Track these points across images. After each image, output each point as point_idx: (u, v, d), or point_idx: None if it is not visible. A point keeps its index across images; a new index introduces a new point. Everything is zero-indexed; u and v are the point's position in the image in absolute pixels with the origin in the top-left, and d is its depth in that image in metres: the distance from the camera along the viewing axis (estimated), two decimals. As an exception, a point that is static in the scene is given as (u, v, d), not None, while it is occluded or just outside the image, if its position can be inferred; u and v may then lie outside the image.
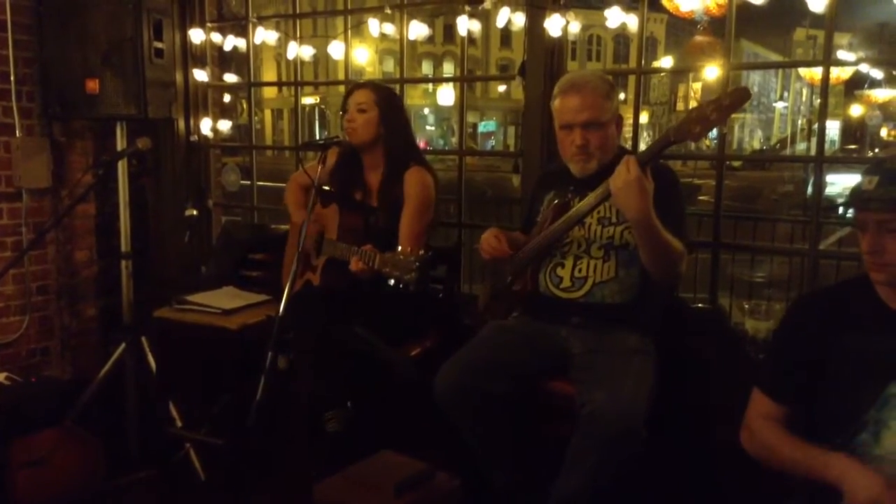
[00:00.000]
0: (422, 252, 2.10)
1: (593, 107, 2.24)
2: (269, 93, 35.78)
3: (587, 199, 2.15)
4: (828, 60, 2.66)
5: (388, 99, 2.79)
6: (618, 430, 1.92)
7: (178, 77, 3.70)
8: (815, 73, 10.12)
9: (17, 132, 3.39)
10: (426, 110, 39.59)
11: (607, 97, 2.27)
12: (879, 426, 1.54)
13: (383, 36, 3.44)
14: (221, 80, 3.97)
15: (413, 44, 3.47)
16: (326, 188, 2.87)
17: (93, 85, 3.04)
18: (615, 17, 2.83)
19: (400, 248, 2.17)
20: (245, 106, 4.63)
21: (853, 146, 30.13)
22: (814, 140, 3.21)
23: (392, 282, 2.11)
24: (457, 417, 2.22)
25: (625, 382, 2.03)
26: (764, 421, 1.68)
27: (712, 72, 3.13)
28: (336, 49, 3.53)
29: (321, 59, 3.86)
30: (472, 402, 2.18)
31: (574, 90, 2.26)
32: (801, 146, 35.53)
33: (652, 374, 2.13)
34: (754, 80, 42.90)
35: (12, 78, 3.35)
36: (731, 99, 1.95)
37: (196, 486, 2.83)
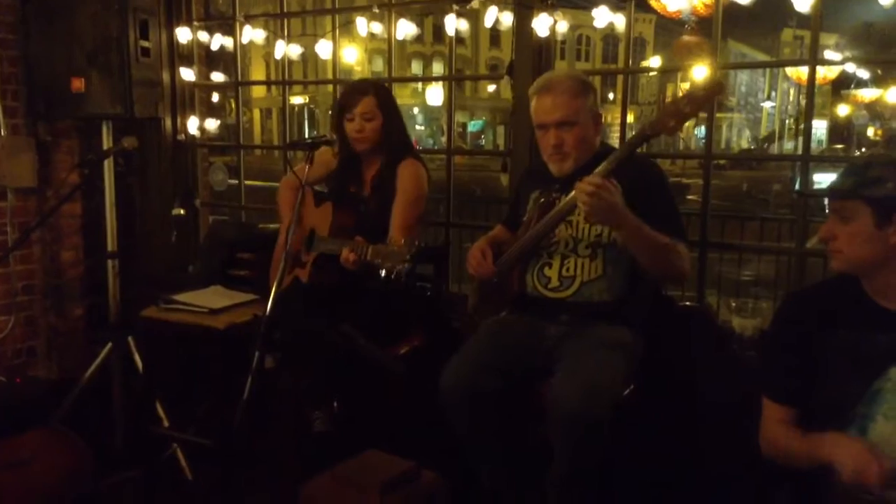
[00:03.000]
0: (414, 242, 2.10)
1: (565, 106, 2.25)
2: (258, 92, 35.67)
3: (571, 195, 2.14)
4: (814, 60, 2.67)
5: (388, 99, 2.82)
6: (576, 414, 1.92)
7: (165, 76, 3.69)
8: (802, 72, 10.17)
9: (2, 131, 3.37)
10: (415, 110, 39.54)
11: (580, 96, 2.27)
12: (867, 420, 1.57)
13: (372, 35, 3.44)
14: (209, 79, 3.95)
15: (402, 43, 3.47)
16: (318, 189, 2.88)
17: (78, 84, 3.02)
18: (603, 17, 2.85)
19: (392, 238, 2.17)
20: (233, 105, 4.60)
21: (840, 145, 30.33)
22: (801, 139, 3.23)
23: (383, 272, 2.10)
24: (460, 416, 2.20)
25: (585, 365, 2.04)
26: (778, 426, 1.70)
27: (700, 72, 3.15)
28: (324, 48, 3.53)
29: (310, 58, 3.86)
30: (477, 401, 2.16)
31: (546, 90, 2.28)
32: (788, 145, 35.76)
33: (623, 362, 2.12)
34: (742, 79, 43.20)
35: (-3, 77, 3.33)
36: (704, 91, 1.98)
37: (183, 485, 2.82)
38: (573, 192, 2.12)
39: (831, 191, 1.62)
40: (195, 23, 3.78)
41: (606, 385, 2.00)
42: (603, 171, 2.06)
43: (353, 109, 2.75)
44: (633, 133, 2.18)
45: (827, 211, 1.66)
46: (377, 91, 2.80)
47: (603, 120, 2.37)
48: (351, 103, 2.77)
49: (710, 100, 1.99)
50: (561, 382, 2.01)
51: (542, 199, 2.34)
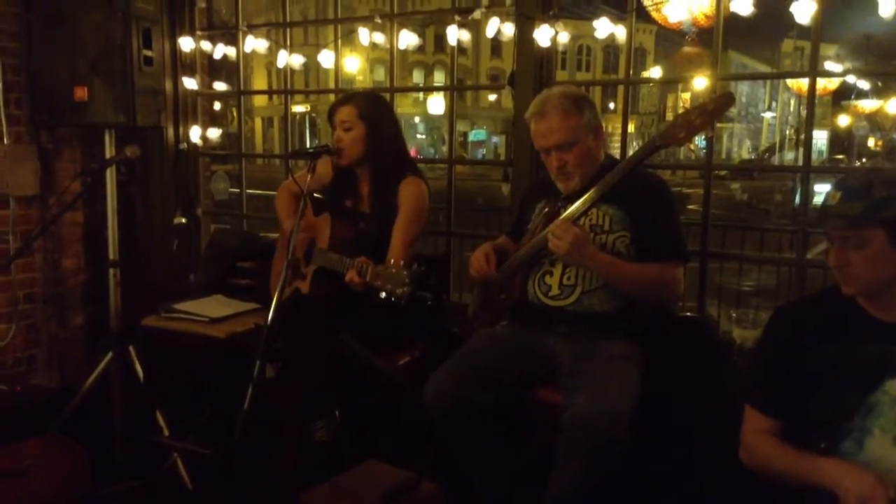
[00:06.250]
0: (414, 266, 2.10)
1: (560, 129, 2.24)
2: (260, 101, 35.72)
3: (576, 205, 2.16)
4: (814, 71, 2.68)
5: (374, 111, 2.74)
6: (599, 435, 1.93)
7: (168, 85, 3.70)
8: (803, 83, 10.21)
9: (5, 139, 3.37)
10: (417, 119, 39.68)
11: (573, 116, 2.25)
12: (864, 434, 1.56)
13: (374, 45, 3.45)
14: (211, 88, 3.97)
15: (404, 53, 3.48)
16: (318, 196, 2.86)
17: (81, 92, 3.02)
18: (604, 27, 2.86)
19: (392, 260, 2.17)
20: (235, 114, 4.61)
21: (841, 156, 30.38)
22: (802, 150, 3.26)
23: (383, 295, 2.10)
24: (445, 426, 2.22)
25: (608, 388, 2.03)
26: (758, 435, 1.69)
27: (701, 82, 3.16)
28: (326, 58, 3.54)
29: (312, 67, 3.87)
30: (460, 412, 2.18)
31: (540, 116, 2.28)
32: (789, 156, 35.81)
33: (636, 380, 2.13)
34: (742, 90, 43.31)
35: (0, 85, 3.33)
36: (715, 104, 1.98)
37: (183, 495, 2.81)
38: (578, 203, 2.16)
39: (847, 219, 1.54)
40: (198, 32, 3.80)
41: (625, 405, 2.01)
42: (574, 212, 2.16)
43: (334, 118, 2.74)
44: (638, 144, 2.19)
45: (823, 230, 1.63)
46: (360, 101, 2.74)
47: (604, 130, 2.37)
48: (332, 112, 2.76)
49: (721, 112, 1.99)
50: (582, 404, 1.99)
51: (547, 209, 2.35)
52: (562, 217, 2.18)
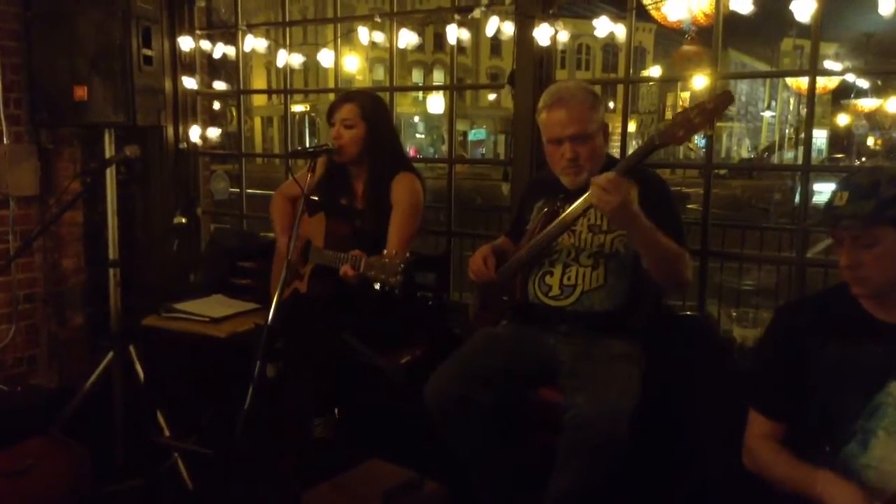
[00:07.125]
0: (407, 255, 2.11)
1: (580, 120, 2.23)
2: (259, 100, 35.71)
3: (575, 205, 2.15)
4: (814, 70, 2.68)
5: (375, 111, 2.76)
6: (600, 435, 1.93)
7: (167, 84, 3.70)
8: (803, 82, 10.21)
9: (5, 139, 3.37)
10: (416, 118, 39.69)
11: (593, 108, 2.26)
12: (868, 435, 1.55)
13: (373, 44, 3.45)
14: (211, 87, 3.96)
15: (403, 52, 3.48)
16: (313, 198, 2.86)
17: (81, 92, 3.02)
18: (603, 26, 2.86)
19: (385, 251, 2.18)
20: (234, 113, 4.61)
21: (840, 155, 30.40)
22: (801, 149, 3.26)
23: (378, 285, 2.11)
24: (445, 426, 2.22)
25: (609, 388, 2.03)
26: (762, 441, 1.68)
27: (700, 81, 3.16)
28: (326, 57, 3.54)
29: (311, 66, 3.86)
30: (461, 412, 2.18)
31: (560, 104, 2.25)
32: (788, 155, 35.83)
33: (637, 380, 2.13)
34: (742, 89, 43.33)
35: (-1, 84, 3.33)
36: (714, 103, 1.97)
37: (184, 495, 2.81)
38: (577, 203, 2.14)
39: (859, 219, 1.52)
40: (197, 31, 3.80)
41: (626, 404, 2.00)
42: (620, 169, 2.04)
43: (335, 115, 2.75)
44: (638, 143, 2.18)
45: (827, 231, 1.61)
46: (362, 100, 2.76)
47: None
48: (333, 109, 2.76)
49: (720, 111, 1.98)
50: (582, 404, 1.99)
51: (546, 209, 2.34)
52: (602, 175, 2.13)
